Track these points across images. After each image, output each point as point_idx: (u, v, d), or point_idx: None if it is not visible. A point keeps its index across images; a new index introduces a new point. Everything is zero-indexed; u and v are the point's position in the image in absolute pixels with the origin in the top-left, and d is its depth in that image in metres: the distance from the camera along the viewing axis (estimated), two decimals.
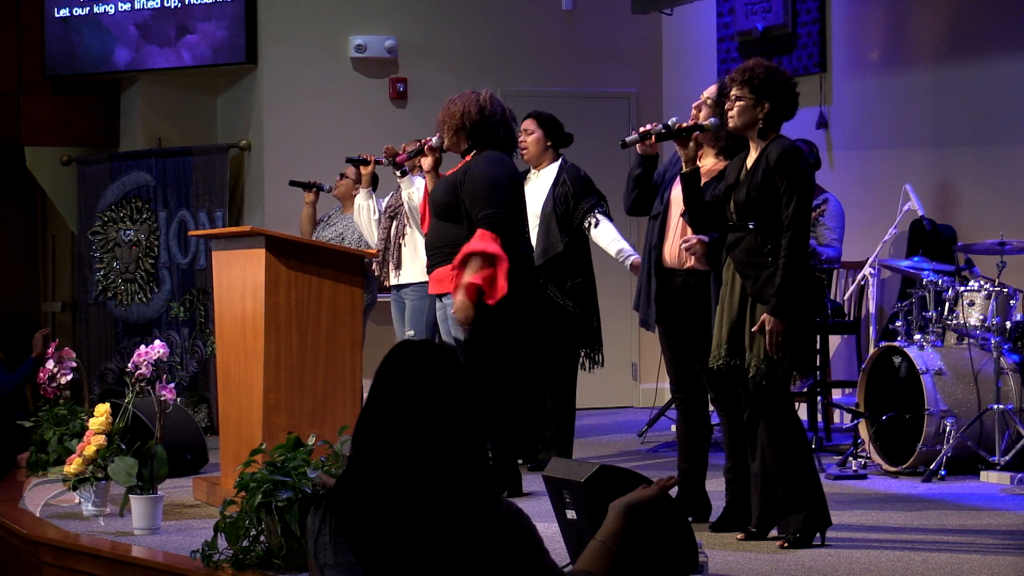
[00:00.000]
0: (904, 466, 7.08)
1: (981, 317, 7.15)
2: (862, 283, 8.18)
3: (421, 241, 7.72)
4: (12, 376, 8.51)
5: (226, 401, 6.55)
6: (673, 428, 7.58)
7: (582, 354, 7.50)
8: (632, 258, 7.38)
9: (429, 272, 6.65)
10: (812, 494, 5.25)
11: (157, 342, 6.04)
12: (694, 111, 5.75)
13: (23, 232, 12.79)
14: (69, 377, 7.29)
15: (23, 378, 8.49)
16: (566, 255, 7.33)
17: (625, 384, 10.93)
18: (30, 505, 6.55)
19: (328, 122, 10.39)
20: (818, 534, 5.27)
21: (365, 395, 3.12)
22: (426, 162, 6.81)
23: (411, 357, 3.02)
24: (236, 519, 4.89)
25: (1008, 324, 7.12)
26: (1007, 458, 6.84)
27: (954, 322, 7.24)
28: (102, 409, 6.15)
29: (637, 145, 5.72)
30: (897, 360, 7.27)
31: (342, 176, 8.80)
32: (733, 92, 5.31)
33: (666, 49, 11.04)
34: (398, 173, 7.58)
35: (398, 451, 2.96)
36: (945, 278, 7.37)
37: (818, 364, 7.95)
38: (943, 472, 6.85)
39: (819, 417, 8.16)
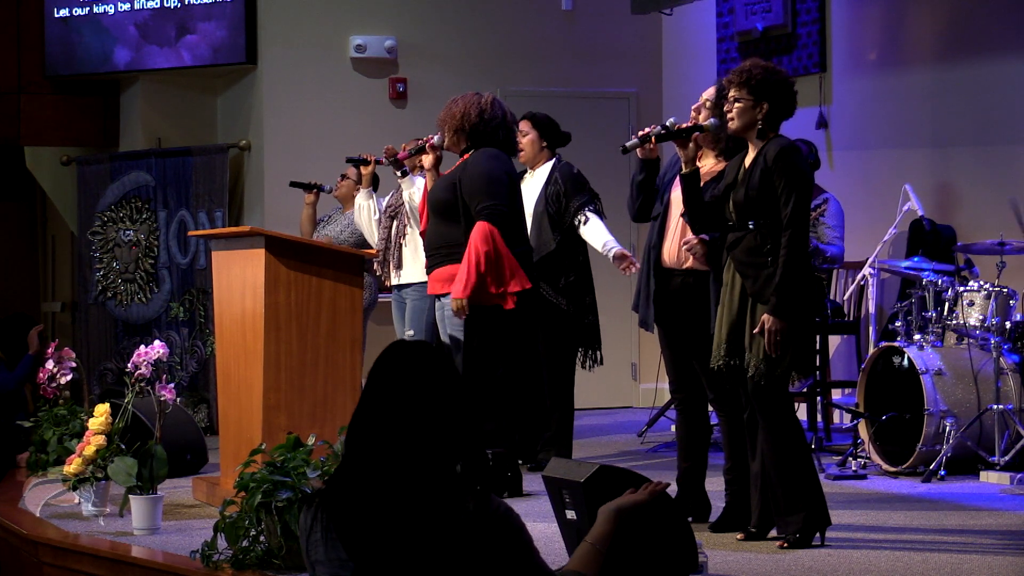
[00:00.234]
0: (904, 466, 7.08)
1: (981, 317, 7.15)
2: (862, 283, 8.18)
3: (422, 242, 7.72)
4: (11, 375, 8.51)
5: (226, 401, 6.55)
6: (673, 428, 7.58)
7: (580, 353, 7.49)
8: (614, 249, 7.31)
9: (428, 272, 6.66)
10: (812, 494, 5.25)
11: (157, 342, 6.04)
12: (693, 113, 5.74)
13: (23, 232, 12.79)
14: (69, 377, 7.29)
15: (22, 376, 8.49)
16: (558, 253, 7.33)
17: (625, 384, 10.93)
18: (30, 505, 6.55)
19: (328, 122, 10.39)
20: (818, 534, 5.27)
21: None
22: (427, 160, 6.82)
23: (404, 357, 3.06)
24: (236, 519, 4.89)
25: (1008, 324, 7.12)
26: (1007, 458, 6.84)
27: (954, 322, 7.24)
28: (102, 409, 6.16)
29: (638, 150, 5.72)
30: (897, 360, 7.27)
31: (343, 177, 8.81)
32: (731, 93, 5.31)
33: (666, 49, 11.04)
34: (399, 173, 7.58)
35: (389, 449, 3.00)
36: (945, 278, 7.37)
37: (818, 364, 7.95)
38: (943, 472, 6.85)
39: (819, 417, 8.15)
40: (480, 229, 6.33)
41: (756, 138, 5.32)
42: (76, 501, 6.32)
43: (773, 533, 5.36)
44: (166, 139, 10.87)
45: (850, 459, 7.17)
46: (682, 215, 5.58)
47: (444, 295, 6.50)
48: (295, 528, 4.72)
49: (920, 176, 8.65)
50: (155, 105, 10.94)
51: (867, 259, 8.00)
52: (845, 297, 8.65)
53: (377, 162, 7.94)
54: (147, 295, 10.52)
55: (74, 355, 7.41)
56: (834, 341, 9.09)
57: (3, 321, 11.49)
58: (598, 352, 7.56)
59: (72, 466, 6.16)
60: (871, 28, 9.39)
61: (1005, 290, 7.14)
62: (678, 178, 5.54)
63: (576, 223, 7.31)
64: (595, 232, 7.31)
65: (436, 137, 6.79)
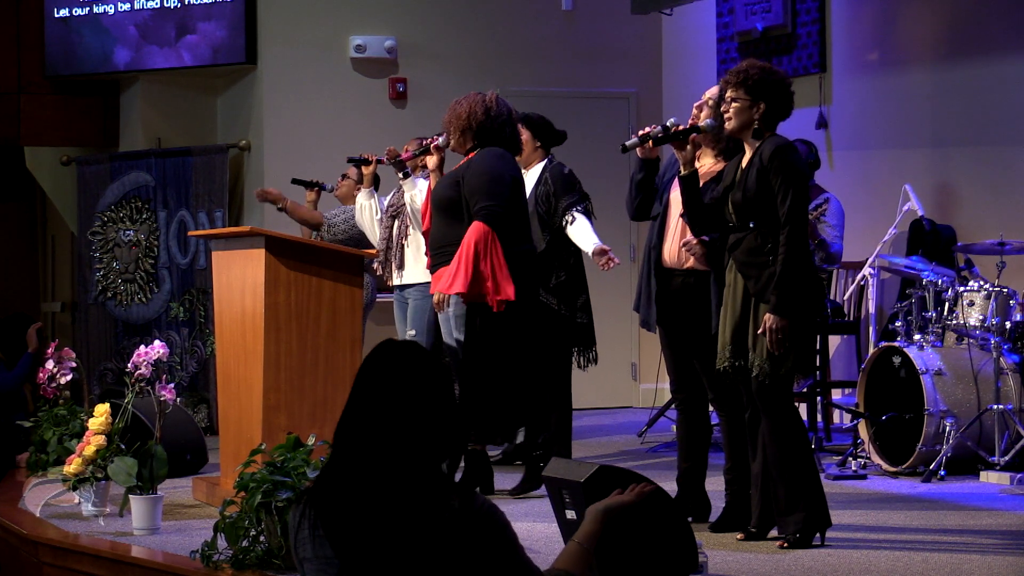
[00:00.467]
0: (904, 466, 7.08)
1: (981, 317, 7.15)
2: (862, 283, 8.18)
3: (424, 242, 7.73)
4: (11, 374, 8.51)
5: (226, 401, 6.55)
6: (673, 428, 7.58)
7: (575, 352, 7.49)
8: (594, 246, 7.22)
9: (432, 271, 6.66)
10: (812, 494, 5.25)
11: (157, 342, 6.04)
12: (695, 111, 5.74)
13: (23, 232, 12.79)
14: (69, 377, 7.29)
15: (22, 374, 8.48)
16: (549, 253, 7.31)
17: (625, 384, 10.93)
18: (30, 505, 6.55)
19: (328, 122, 10.39)
20: (818, 534, 5.27)
21: None
22: (431, 161, 6.83)
23: (392, 356, 3.09)
24: (236, 519, 4.89)
25: (1008, 324, 7.12)
26: (1007, 458, 6.84)
27: (954, 322, 7.24)
28: (102, 409, 6.15)
29: (637, 149, 5.72)
30: (897, 360, 7.27)
31: (344, 177, 8.81)
32: (728, 94, 5.31)
33: (666, 49, 11.04)
34: (400, 174, 7.59)
35: (376, 447, 3.03)
36: (945, 278, 7.37)
37: (818, 364, 7.95)
38: (943, 472, 6.85)
39: (819, 417, 8.16)
40: (475, 229, 6.33)
41: (752, 138, 5.32)
42: (76, 501, 6.32)
43: (773, 533, 5.36)
44: (166, 139, 10.87)
45: (850, 459, 7.18)
46: (682, 216, 5.58)
47: (452, 295, 6.50)
48: None
49: (920, 176, 8.65)
50: (155, 105, 10.94)
51: (867, 259, 8.00)
52: (845, 297, 8.65)
53: (379, 162, 7.95)
54: (147, 295, 10.52)
55: (74, 355, 7.41)
56: (834, 341, 9.09)
57: (3, 321, 11.49)
58: (593, 351, 7.55)
59: (72, 466, 6.16)
60: (871, 28, 9.39)
61: (1005, 290, 7.14)
62: (677, 179, 5.54)
63: (564, 223, 7.29)
64: (581, 232, 7.22)
65: (441, 138, 6.79)
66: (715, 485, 5.91)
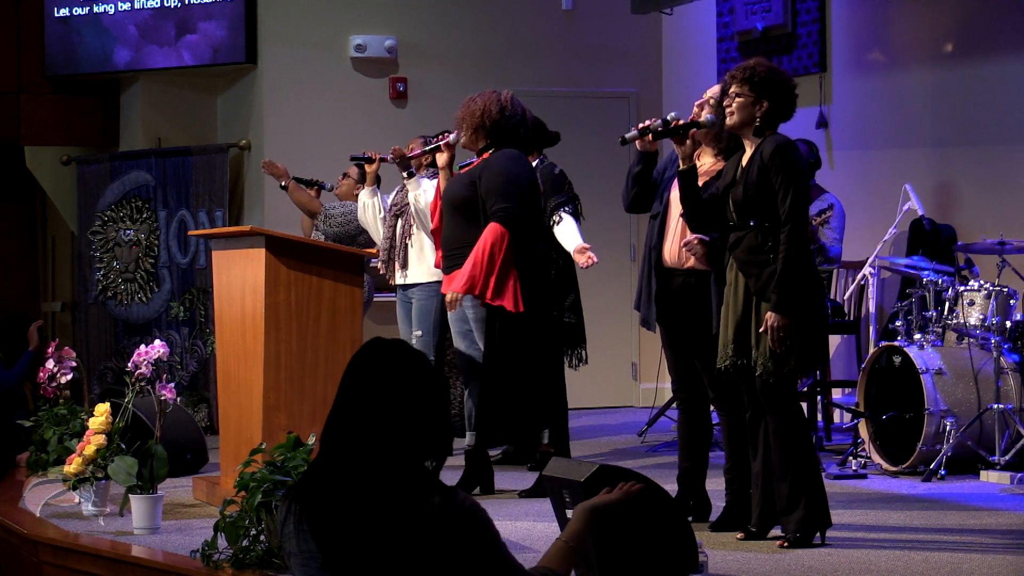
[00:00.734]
0: (904, 466, 7.08)
1: (981, 317, 7.15)
2: (862, 283, 8.18)
3: (428, 241, 7.73)
4: (11, 372, 8.51)
5: (226, 401, 6.54)
6: (673, 428, 7.58)
7: (567, 352, 7.50)
8: (576, 245, 7.20)
9: (446, 272, 6.64)
10: (814, 493, 5.24)
11: (157, 342, 6.04)
12: (696, 110, 5.74)
13: (23, 232, 12.79)
14: (69, 377, 7.29)
15: (22, 372, 8.48)
16: None
17: (625, 384, 10.93)
18: (30, 505, 6.55)
19: (328, 122, 10.39)
20: (818, 534, 5.27)
21: None
22: (441, 158, 6.82)
23: (380, 354, 3.12)
24: (236, 519, 4.89)
25: (1008, 324, 7.12)
26: (1007, 458, 6.84)
27: (954, 322, 7.24)
28: (102, 409, 6.15)
29: (636, 142, 5.72)
30: (897, 360, 7.27)
31: (344, 176, 8.80)
32: (732, 89, 5.31)
33: (666, 49, 11.04)
34: (405, 174, 7.59)
35: (359, 443, 3.06)
36: (945, 278, 7.37)
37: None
38: (943, 472, 6.85)
39: (819, 417, 8.15)
40: (492, 230, 6.34)
41: (753, 135, 5.32)
42: (76, 501, 6.32)
43: (773, 533, 5.36)
44: (166, 139, 10.87)
45: (850, 459, 7.18)
46: (682, 215, 5.58)
47: (463, 297, 6.50)
48: None
49: (920, 176, 8.65)
50: (155, 105, 10.94)
51: (867, 259, 8.00)
52: (845, 297, 8.65)
53: (383, 160, 7.95)
54: (147, 295, 10.52)
55: (74, 354, 7.41)
56: (834, 341, 9.09)
57: (3, 321, 11.49)
58: (582, 351, 7.55)
59: (72, 466, 6.16)
60: (871, 28, 9.39)
61: (1005, 290, 7.14)
62: (676, 174, 5.54)
63: (551, 223, 7.27)
64: (567, 233, 7.18)
65: (452, 135, 6.78)
66: (715, 485, 5.91)
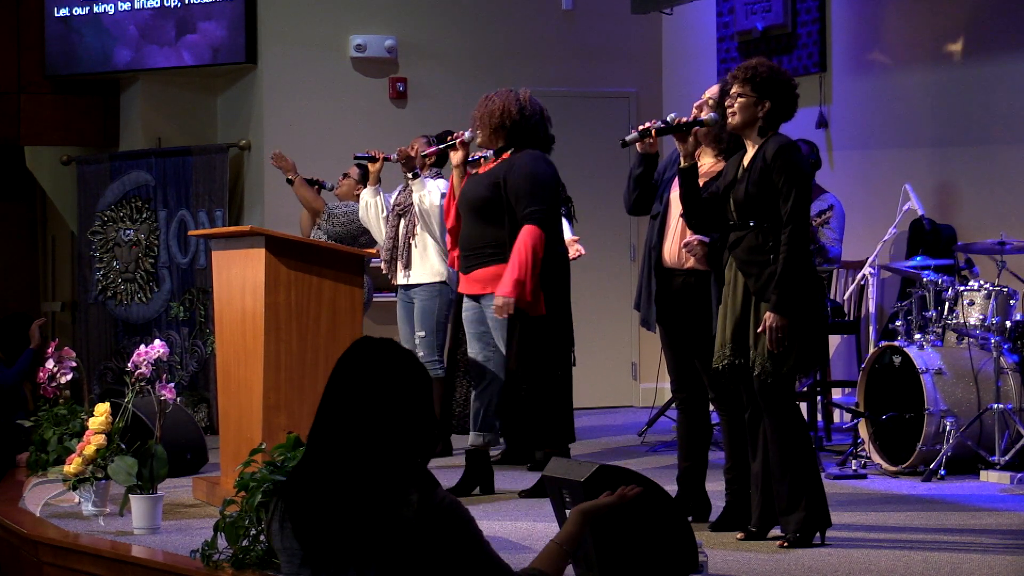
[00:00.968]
0: (904, 466, 7.08)
1: (981, 317, 7.15)
2: (862, 283, 8.18)
3: (431, 242, 7.74)
4: (11, 370, 8.51)
5: (226, 401, 6.54)
6: (673, 428, 7.58)
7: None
8: (567, 238, 7.21)
9: (466, 272, 6.62)
10: (813, 493, 5.24)
11: (157, 342, 6.04)
12: (695, 111, 5.74)
13: (23, 232, 12.79)
14: (69, 377, 7.29)
15: (23, 370, 8.48)
16: None
17: (625, 384, 10.93)
18: (30, 505, 6.55)
19: (328, 122, 10.40)
20: (818, 534, 5.27)
21: None
22: (456, 156, 6.82)
23: (367, 353, 3.14)
24: (236, 519, 4.88)
25: (1008, 324, 7.12)
26: (1007, 458, 6.84)
27: (954, 322, 7.24)
28: (102, 409, 6.15)
29: (637, 144, 5.72)
30: (897, 360, 7.27)
31: (344, 176, 8.80)
32: (734, 89, 5.31)
33: (666, 49, 11.04)
34: (410, 174, 7.60)
35: (343, 441, 3.09)
36: (945, 278, 7.37)
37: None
38: (943, 472, 6.85)
39: (819, 417, 8.15)
40: (532, 233, 6.34)
41: (755, 136, 5.32)
42: (76, 501, 6.32)
43: (773, 533, 5.36)
44: (166, 139, 10.87)
45: (850, 459, 7.18)
46: (681, 215, 5.58)
47: (486, 296, 6.49)
48: None
49: (920, 176, 8.65)
50: (155, 105, 10.94)
51: (867, 259, 8.00)
52: (845, 297, 8.65)
53: (386, 159, 7.95)
54: (147, 295, 10.52)
55: (74, 354, 7.41)
56: (834, 341, 9.09)
57: (2, 321, 11.49)
58: (571, 352, 7.56)
59: (72, 466, 6.15)
60: (871, 28, 9.39)
61: (1005, 290, 7.15)
62: (677, 177, 5.54)
63: None
64: None
65: (467, 133, 6.78)
66: (715, 485, 5.91)
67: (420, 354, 7.94)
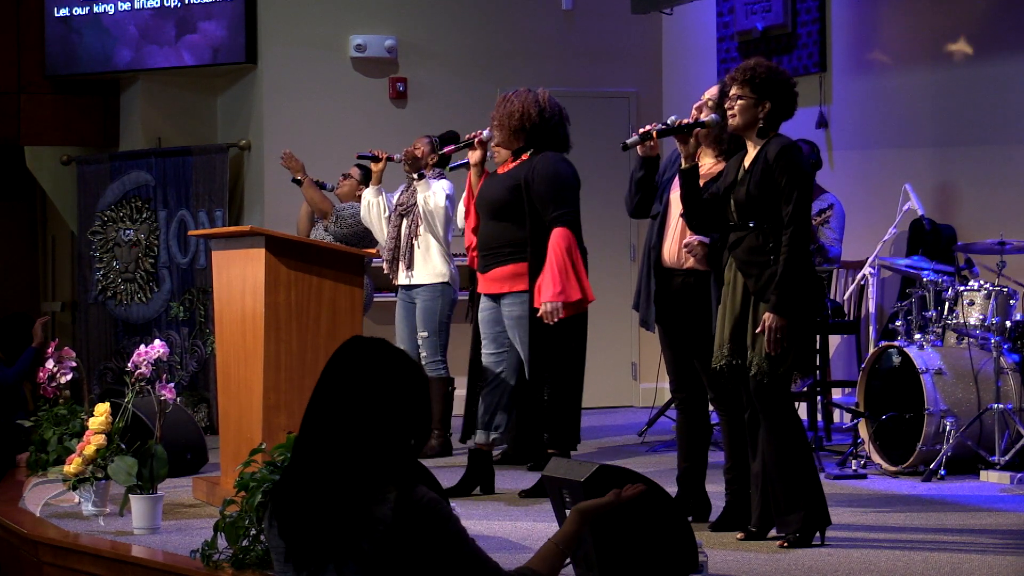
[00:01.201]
0: (904, 466, 7.08)
1: (981, 317, 7.15)
2: (862, 283, 8.18)
3: (434, 242, 7.76)
4: (11, 369, 8.50)
5: (226, 401, 6.55)
6: (673, 428, 7.58)
7: None
8: None
9: (484, 272, 6.63)
10: (812, 494, 5.24)
11: (157, 342, 6.04)
12: (695, 112, 5.74)
13: (23, 232, 12.79)
14: (69, 377, 7.28)
15: (24, 368, 8.48)
16: None
17: (625, 384, 10.93)
18: (30, 505, 6.55)
19: (328, 122, 10.40)
20: (818, 534, 5.27)
21: None
22: (474, 155, 6.83)
23: (358, 352, 3.14)
24: (236, 519, 4.88)
25: (1008, 324, 7.12)
26: (1007, 458, 6.84)
27: (954, 322, 7.24)
28: (102, 409, 6.15)
29: (638, 147, 5.72)
30: (897, 360, 7.27)
31: (345, 176, 8.80)
32: (733, 91, 5.31)
33: (666, 49, 11.04)
34: (415, 175, 7.60)
35: (324, 437, 3.10)
36: (945, 278, 7.37)
37: (818, 364, 7.95)
38: (943, 472, 6.85)
39: (819, 417, 8.15)
40: (564, 235, 6.37)
41: (756, 137, 5.32)
42: (76, 501, 6.32)
43: (773, 533, 5.36)
44: (166, 139, 10.87)
45: (850, 459, 7.18)
46: (681, 215, 5.58)
47: (505, 295, 6.51)
48: None
49: (920, 176, 8.65)
50: (155, 105, 10.94)
51: (867, 259, 8.00)
52: (845, 297, 8.65)
53: (389, 159, 7.95)
54: (147, 295, 10.52)
55: (74, 354, 7.41)
56: (834, 341, 9.09)
57: (2, 321, 11.49)
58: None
59: (72, 466, 6.15)
60: (871, 28, 9.39)
61: (1005, 290, 7.14)
62: (677, 177, 5.54)
63: None
64: None
65: (486, 132, 6.79)
66: (715, 485, 5.90)
67: (423, 354, 7.95)
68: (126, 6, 10.70)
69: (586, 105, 10.67)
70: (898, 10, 9.25)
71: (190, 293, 10.39)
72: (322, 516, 3.06)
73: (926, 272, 7.46)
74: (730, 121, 5.34)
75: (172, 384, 6.01)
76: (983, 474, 6.86)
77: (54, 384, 7.28)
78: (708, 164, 5.73)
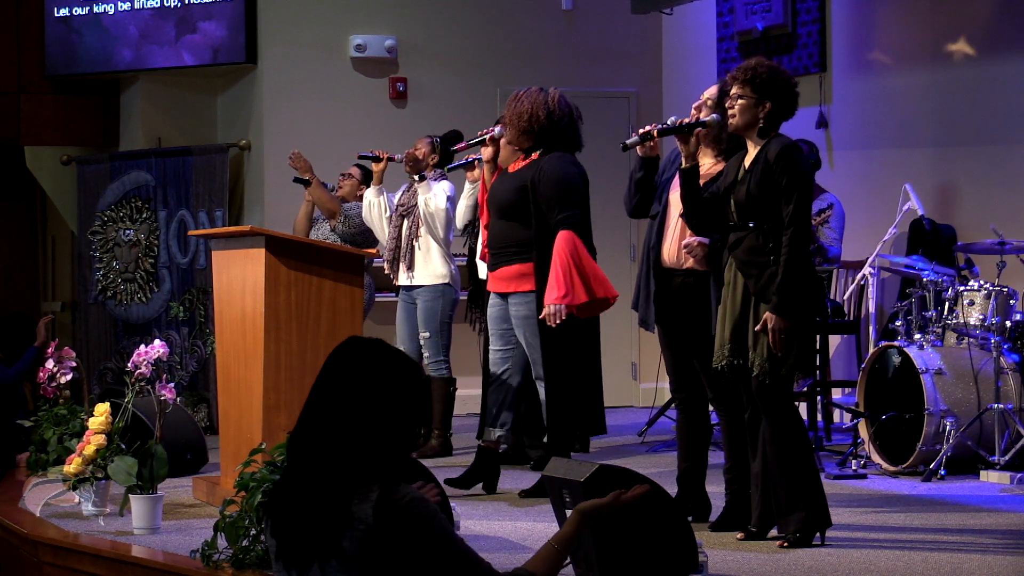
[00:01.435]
0: (904, 466, 7.08)
1: (981, 317, 7.15)
2: (862, 283, 8.18)
3: (434, 244, 7.77)
4: (12, 369, 8.50)
5: (226, 401, 6.54)
6: (673, 428, 7.58)
7: None
8: None
9: (492, 270, 6.65)
10: (812, 494, 5.24)
11: (157, 342, 6.04)
12: (694, 112, 5.74)
13: (23, 232, 12.79)
14: (69, 377, 7.28)
15: (25, 368, 8.48)
16: None
17: (625, 384, 10.93)
18: (30, 505, 6.55)
19: (328, 122, 10.39)
20: (818, 534, 5.27)
21: None
22: (486, 152, 6.84)
23: (353, 352, 3.15)
24: (236, 519, 4.88)
25: (1008, 324, 7.12)
26: (1007, 458, 6.84)
27: (954, 322, 7.24)
28: (102, 409, 6.15)
29: (638, 148, 5.72)
30: (897, 360, 7.27)
31: (346, 176, 8.79)
32: (734, 90, 5.30)
33: (666, 49, 11.04)
34: (416, 177, 7.60)
35: (315, 436, 3.12)
36: (945, 278, 7.37)
37: (818, 364, 7.95)
38: (943, 472, 6.85)
39: (819, 417, 8.15)
40: (568, 239, 6.37)
41: (757, 136, 5.32)
42: (76, 501, 6.32)
43: (773, 533, 5.36)
44: (166, 139, 10.87)
45: (850, 459, 7.18)
46: (681, 215, 5.58)
47: (512, 294, 6.51)
48: None
49: (920, 176, 8.65)
50: (155, 105, 10.94)
51: (867, 259, 8.00)
52: (845, 297, 8.65)
53: (390, 159, 7.95)
54: (147, 295, 10.52)
55: (74, 354, 7.41)
56: (834, 341, 9.09)
57: (2, 321, 11.49)
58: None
59: (72, 466, 6.15)
60: (871, 28, 9.39)
61: (1005, 290, 7.14)
62: (677, 177, 5.54)
63: None
64: None
65: (497, 129, 6.80)
66: (715, 485, 5.91)
67: (426, 355, 7.95)
68: (126, 6, 10.70)
69: (586, 105, 10.57)
70: (898, 10, 9.25)
71: (190, 293, 10.39)
72: (306, 514, 3.08)
73: (926, 272, 7.46)
74: (730, 121, 5.34)
75: (172, 384, 6.01)
76: (983, 474, 6.86)
77: (54, 384, 7.28)
78: (708, 164, 5.73)
